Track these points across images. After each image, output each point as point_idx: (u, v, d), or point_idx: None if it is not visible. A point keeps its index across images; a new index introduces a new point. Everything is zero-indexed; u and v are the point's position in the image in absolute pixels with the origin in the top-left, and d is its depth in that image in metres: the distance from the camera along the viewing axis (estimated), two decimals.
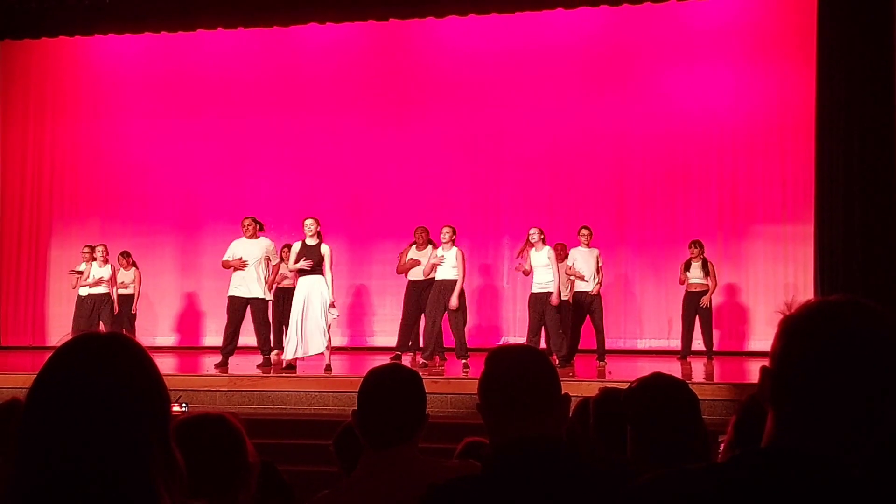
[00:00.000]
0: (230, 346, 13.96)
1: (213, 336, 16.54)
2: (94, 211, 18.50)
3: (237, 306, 14.04)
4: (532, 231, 13.83)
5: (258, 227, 14.20)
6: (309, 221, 13.53)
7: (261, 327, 14.13)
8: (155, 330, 17.60)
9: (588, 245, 14.40)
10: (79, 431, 1.86)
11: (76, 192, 18.71)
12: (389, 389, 3.33)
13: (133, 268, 15.96)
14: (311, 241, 13.50)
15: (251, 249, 14.00)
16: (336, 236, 16.84)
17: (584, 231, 14.49)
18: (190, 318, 18.02)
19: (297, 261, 13.39)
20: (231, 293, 14.08)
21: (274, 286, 14.63)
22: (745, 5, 15.98)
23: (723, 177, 16.63)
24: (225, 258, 14.11)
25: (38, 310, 18.40)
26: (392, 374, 3.42)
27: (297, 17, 16.21)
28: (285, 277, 14.68)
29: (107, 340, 1.98)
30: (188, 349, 17.27)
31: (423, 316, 14.19)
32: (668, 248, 16.38)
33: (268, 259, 14.12)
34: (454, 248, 13.70)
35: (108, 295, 15.37)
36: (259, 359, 13.97)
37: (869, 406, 1.77)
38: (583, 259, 14.33)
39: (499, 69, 17.21)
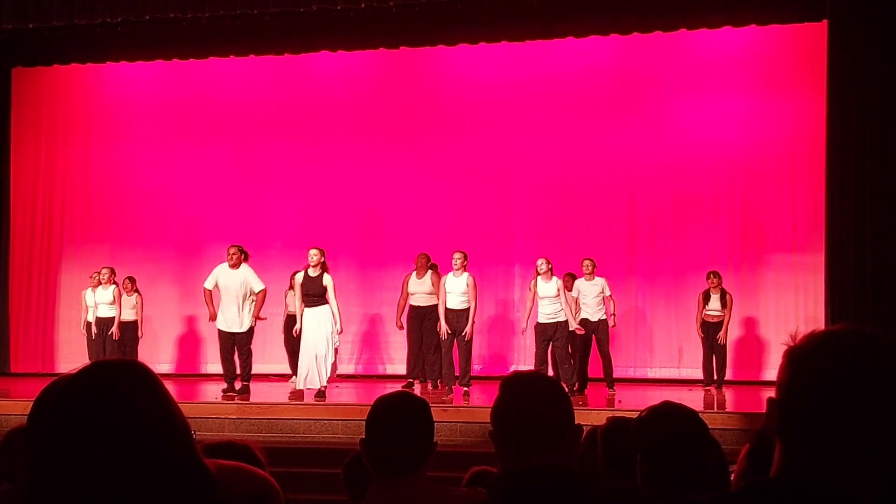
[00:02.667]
0: (228, 372, 14.06)
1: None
2: (104, 237, 18.51)
3: (223, 339, 14.13)
4: (540, 262, 13.87)
5: (243, 256, 14.15)
6: (313, 252, 13.56)
7: (241, 357, 14.16)
8: (158, 357, 17.56)
9: (591, 276, 14.43)
10: (91, 462, 1.84)
11: (87, 218, 18.73)
12: (397, 418, 3.32)
13: (135, 293, 15.98)
14: (313, 272, 13.51)
15: (232, 279, 14.01)
16: (346, 263, 16.86)
17: (586, 262, 14.52)
18: (198, 345, 18.00)
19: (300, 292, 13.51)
20: (218, 325, 14.18)
21: (285, 314, 14.63)
22: (755, 35, 15.98)
23: (733, 206, 16.60)
24: (206, 284, 14.17)
25: (48, 336, 18.40)
26: (399, 403, 3.41)
27: (309, 45, 16.28)
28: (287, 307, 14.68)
29: (117, 369, 1.95)
30: (199, 376, 17.24)
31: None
32: (678, 276, 16.36)
33: (251, 289, 14.10)
34: (465, 275, 13.69)
35: (114, 319, 15.50)
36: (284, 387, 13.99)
37: (875, 436, 1.76)
38: (586, 290, 14.40)
39: (509, 97, 17.23)
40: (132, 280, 16.05)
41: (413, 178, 17.54)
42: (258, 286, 14.08)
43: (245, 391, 13.88)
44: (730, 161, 16.58)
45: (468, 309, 13.62)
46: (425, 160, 17.59)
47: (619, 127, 16.92)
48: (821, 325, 13.99)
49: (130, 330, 15.71)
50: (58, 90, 18.70)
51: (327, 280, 13.48)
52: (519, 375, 2.93)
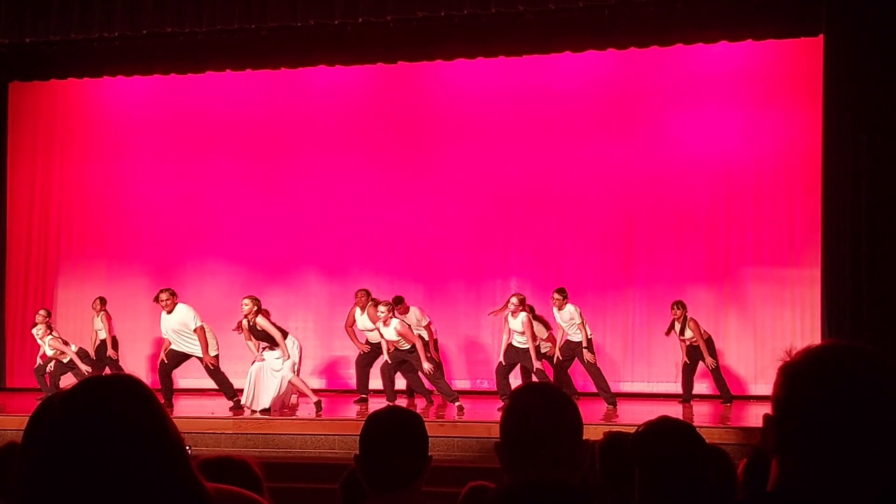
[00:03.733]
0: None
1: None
2: (101, 252, 18.49)
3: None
4: (512, 299, 14.29)
5: (174, 297, 14.36)
6: (244, 302, 13.71)
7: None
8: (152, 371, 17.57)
9: (560, 308, 14.55)
10: (86, 478, 1.83)
11: (83, 233, 18.71)
12: (391, 433, 3.31)
13: (102, 312, 16.20)
14: (249, 323, 13.80)
15: (168, 323, 14.30)
16: (341, 278, 16.83)
17: (555, 295, 14.66)
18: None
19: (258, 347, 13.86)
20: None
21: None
22: (752, 50, 16.00)
23: (730, 220, 16.61)
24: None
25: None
26: (393, 418, 3.40)
27: (306, 59, 16.29)
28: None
29: (113, 384, 1.95)
30: (196, 391, 17.21)
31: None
32: (675, 290, 16.34)
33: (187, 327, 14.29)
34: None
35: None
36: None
37: (871, 450, 1.77)
38: (558, 318, 14.71)
39: (507, 111, 17.24)
40: (103, 301, 16.32)
41: (410, 192, 17.54)
42: (194, 322, 14.33)
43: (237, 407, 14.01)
44: (726, 175, 16.59)
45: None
46: (423, 174, 17.59)
47: (615, 141, 16.92)
48: (817, 339, 13.97)
49: (102, 349, 16.04)
50: (55, 105, 18.69)
51: (262, 322, 13.74)
52: (531, 387, 2.92)
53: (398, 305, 15.23)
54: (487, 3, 13.53)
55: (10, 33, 14.99)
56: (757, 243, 16.46)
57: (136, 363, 17.00)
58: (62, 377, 15.34)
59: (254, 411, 13.52)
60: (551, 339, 14.91)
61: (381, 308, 14.06)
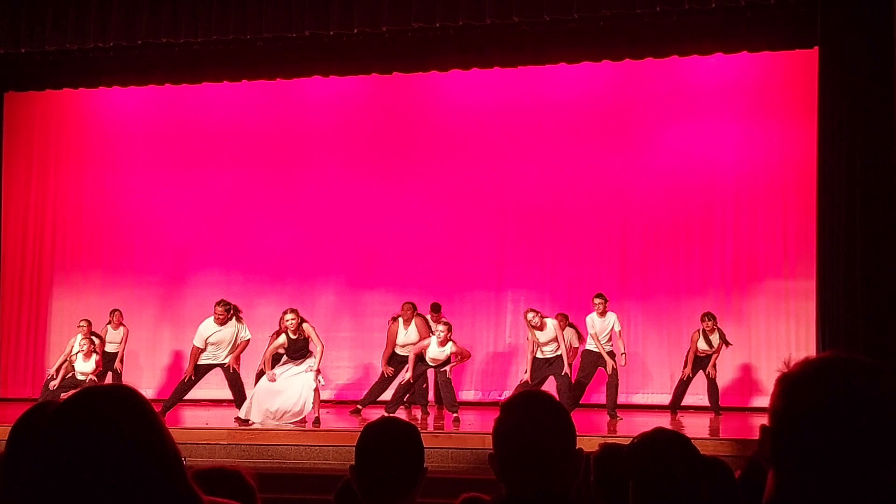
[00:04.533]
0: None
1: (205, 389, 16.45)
2: (95, 262, 18.49)
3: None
4: (529, 315, 14.14)
5: (231, 311, 14.17)
6: (289, 317, 13.59)
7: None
8: (148, 383, 17.53)
9: (602, 313, 14.46)
10: (82, 487, 1.82)
11: (78, 243, 18.70)
12: (386, 444, 3.30)
13: (122, 326, 16.10)
14: (294, 335, 13.64)
15: (219, 335, 14.10)
16: (337, 288, 16.83)
17: (596, 300, 14.57)
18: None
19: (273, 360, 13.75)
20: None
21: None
22: (747, 62, 16.03)
23: (725, 232, 16.63)
24: (195, 342, 14.18)
25: (39, 361, 18.33)
26: (389, 429, 3.39)
27: (301, 70, 16.29)
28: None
29: (109, 394, 1.94)
30: (189, 402, 17.19)
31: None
32: (670, 302, 16.37)
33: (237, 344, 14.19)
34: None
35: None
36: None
37: (868, 463, 1.77)
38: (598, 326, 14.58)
39: (502, 122, 17.26)
40: (119, 313, 16.23)
41: (406, 203, 17.55)
42: (245, 333, 14.24)
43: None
44: (721, 186, 16.62)
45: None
46: (418, 185, 17.60)
47: (610, 153, 16.95)
48: (811, 351, 13.99)
49: (111, 360, 15.95)
50: (50, 115, 18.70)
51: (307, 329, 13.70)
52: (523, 396, 2.91)
53: (437, 313, 15.35)
54: (482, 14, 13.54)
55: (5, 43, 14.98)
56: (752, 255, 16.48)
57: (133, 373, 16.94)
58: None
59: (245, 421, 13.49)
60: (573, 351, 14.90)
61: (441, 328, 13.94)
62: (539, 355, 14.09)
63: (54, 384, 14.77)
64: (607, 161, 16.96)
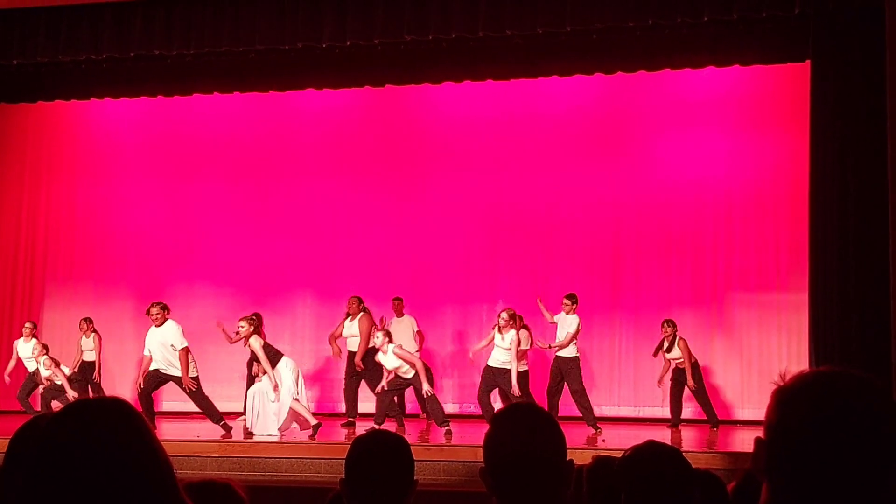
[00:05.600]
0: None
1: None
2: (87, 275, 18.47)
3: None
4: (503, 314, 14.11)
5: (165, 312, 14.20)
6: (241, 323, 13.67)
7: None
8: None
9: (568, 313, 14.48)
10: (75, 498, 1.81)
11: (70, 255, 18.69)
12: (377, 456, 3.29)
13: (93, 333, 16.11)
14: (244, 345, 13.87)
15: (155, 337, 14.10)
16: (328, 300, 16.82)
17: (566, 300, 14.60)
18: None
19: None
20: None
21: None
22: (739, 75, 16.06)
23: (717, 245, 16.66)
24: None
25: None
26: (379, 442, 3.39)
27: (294, 82, 16.28)
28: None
29: (102, 407, 1.94)
30: (180, 414, 17.16)
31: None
32: (662, 314, 16.34)
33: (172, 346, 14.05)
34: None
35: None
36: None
37: (863, 477, 1.77)
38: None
39: (494, 135, 17.28)
40: (89, 321, 16.23)
41: (398, 215, 17.56)
42: (181, 342, 14.08)
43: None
44: (714, 199, 16.65)
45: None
46: (410, 197, 17.61)
47: (603, 165, 16.98)
48: (804, 364, 13.99)
49: (90, 370, 15.94)
50: (42, 126, 18.68)
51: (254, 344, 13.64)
52: (513, 408, 2.91)
53: (397, 303, 15.38)
54: (475, 26, 13.56)
55: None
56: (744, 267, 16.51)
57: (123, 386, 16.90)
58: (53, 401, 15.21)
59: (251, 433, 13.49)
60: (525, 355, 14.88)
61: (378, 335, 13.84)
62: (491, 363, 14.04)
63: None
64: (599, 173, 16.99)
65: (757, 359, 16.23)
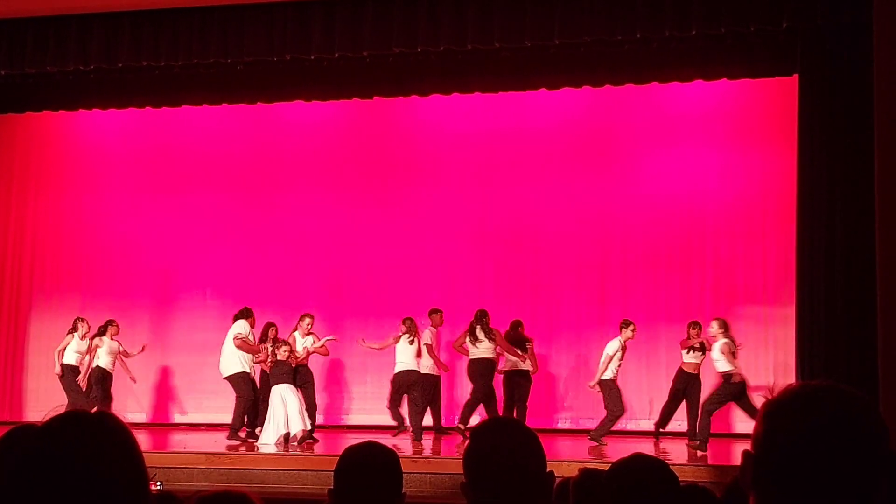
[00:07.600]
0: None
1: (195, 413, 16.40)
2: (74, 285, 18.42)
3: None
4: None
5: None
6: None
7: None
8: (130, 406, 17.43)
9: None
10: None
11: (57, 266, 18.64)
12: (365, 469, 3.29)
13: (95, 338, 15.98)
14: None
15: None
16: (318, 313, 16.80)
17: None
18: (169, 395, 17.88)
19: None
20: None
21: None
22: (727, 89, 16.10)
23: (705, 258, 16.68)
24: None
25: (17, 384, 18.25)
26: (368, 453, 3.38)
27: (282, 94, 16.29)
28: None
29: (86, 421, 1.92)
30: (170, 426, 17.14)
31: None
32: (649, 329, 16.35)
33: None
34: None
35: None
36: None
37: (847, 490, 1.77)
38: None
39: (482, 148, 17.29)
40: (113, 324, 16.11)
41: (385, 228, 17.55)
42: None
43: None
44: (701, 213, 16.67)
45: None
46: (397, 210, 17.60)
47: (591, 179, 17.00)
48: (791, 377, 14.02)
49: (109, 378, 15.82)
50: (30, 137, 18.64)
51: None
52: (492, 422, 2.91)
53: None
54: (464, 39, 13.57)
55: None
56: (731, 281, 16.53)
57: (117, 398, 16.83)
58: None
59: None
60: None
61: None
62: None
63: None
64: (587, 187, 17.00)
65: (745, 372, 16.20)
